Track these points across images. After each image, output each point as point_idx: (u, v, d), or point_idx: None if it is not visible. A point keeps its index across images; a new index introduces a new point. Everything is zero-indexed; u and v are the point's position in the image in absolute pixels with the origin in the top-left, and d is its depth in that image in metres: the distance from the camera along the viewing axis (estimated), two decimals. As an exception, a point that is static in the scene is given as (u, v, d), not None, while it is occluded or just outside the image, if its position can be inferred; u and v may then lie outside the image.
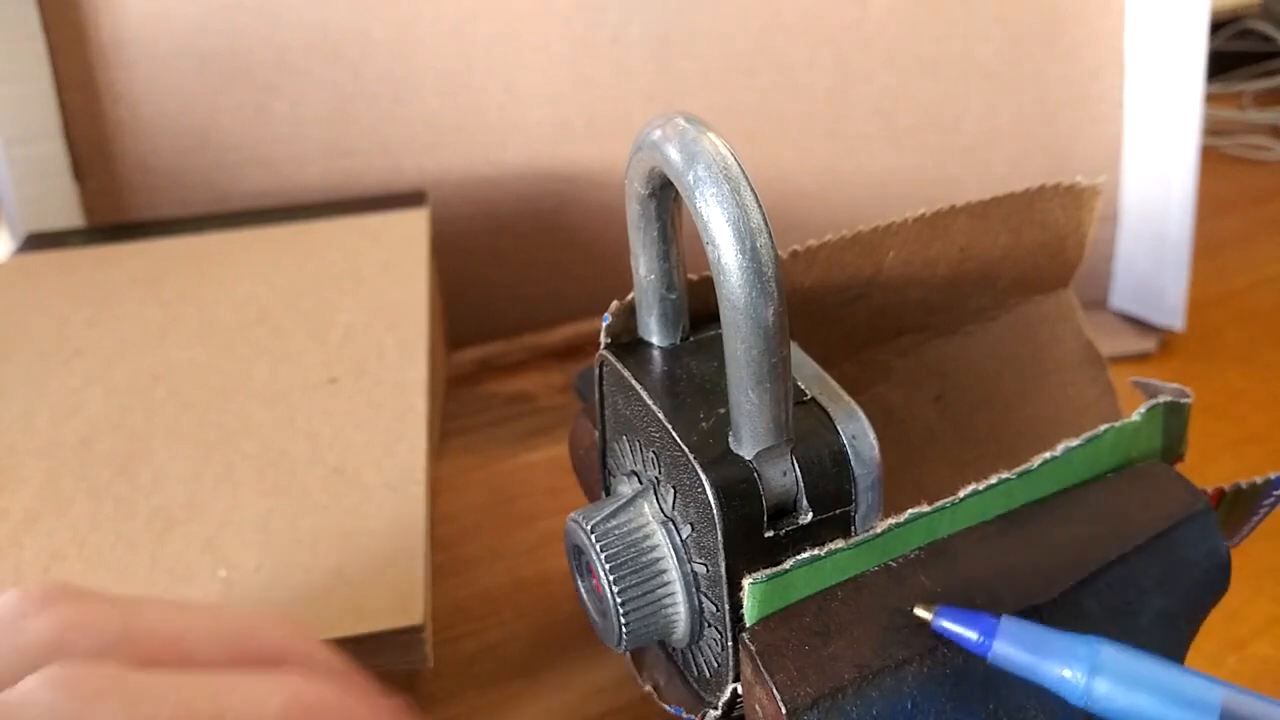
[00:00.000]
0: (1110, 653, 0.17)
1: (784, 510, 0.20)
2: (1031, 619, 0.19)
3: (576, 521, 0.22)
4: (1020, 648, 0.18)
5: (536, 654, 0.33)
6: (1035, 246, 0.27)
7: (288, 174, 0.56)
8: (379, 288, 0.43)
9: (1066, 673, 0.17)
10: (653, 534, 0.21)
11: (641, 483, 0.23)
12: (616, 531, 0.21)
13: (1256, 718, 0.16)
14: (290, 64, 0.55)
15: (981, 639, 0.18)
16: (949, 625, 0.18)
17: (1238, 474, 0.23)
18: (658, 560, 0.21)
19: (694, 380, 0.22)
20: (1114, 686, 0.17)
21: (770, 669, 0.19)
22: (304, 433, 0.34)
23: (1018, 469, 0.21)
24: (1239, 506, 0.23)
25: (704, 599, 0.21)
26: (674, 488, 0.21)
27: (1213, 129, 0.78)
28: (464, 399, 0.48)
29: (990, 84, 0.59)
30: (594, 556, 0.21)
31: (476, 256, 0.59)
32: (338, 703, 0.20)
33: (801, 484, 0.20)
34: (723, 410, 0.21)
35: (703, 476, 0.20)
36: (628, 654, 0.26)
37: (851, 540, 0.20)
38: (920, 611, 0.19)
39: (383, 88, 0.56)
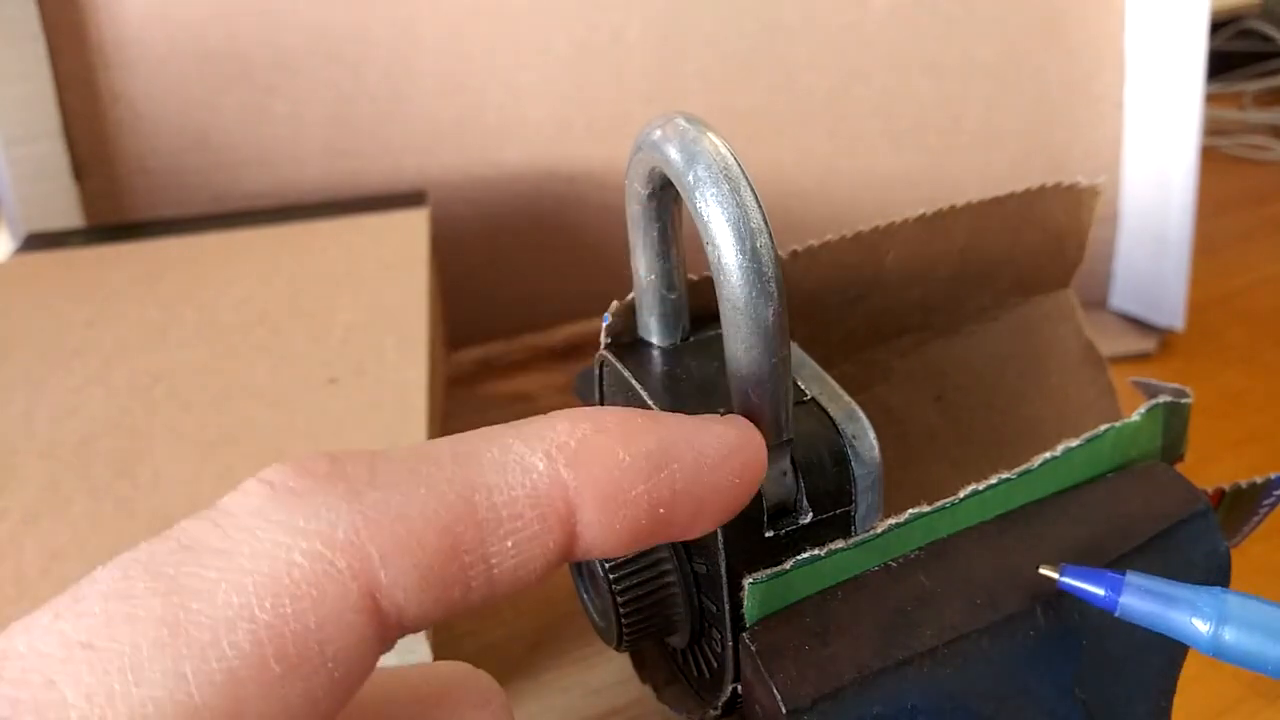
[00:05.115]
0: (1236, 601, 0.18)
1: (784, 510, 0.20)
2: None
3: (576, 521, 0.22)
4: (1147, 599, 0.19)
5: (536, 654, 0.33)
6: (1035, 246, 0.27)
7: (288, 174, 0.56)
8: (379, 288, 0.43)
9: (1196, 621, 0.18)
10: (653, 534, 0.21)
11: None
12: (616, 531, 0.21)
13: None
14: (290, 64, 0.55)
15: (1108, 594, 0.19)
16: (1074, 582, 0.19)
17: (1238, 474, 0.23)
18: (658, 560, 0.21)
19: (694, 380, 0.22)
20: (1239, 632, 0.18)
21: (770, 669, 0.19)
22: (304, 433, 0.34)
23: (1018, 469, 0.21)
24: (1239, 506, 0.23)
25: (704, 599, 0.21)
26: (674, 488, 0.21)
27: (1213, 129, 0.78)
28: (464, 399, 0.48)
29: (990, 84, 0.60)
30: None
31: (476, 256, 0.59)
32: (615, 424, 0.16)
33: (801, 484, 0.20)
34: (723, 410, 0.21)
35: (703, 476, 0.19)
36: (628, 654, 0.26)
37: (851, 540, 0.20)
38: (1046, 570, 0.19)
39: (383, 88, 0.56)
